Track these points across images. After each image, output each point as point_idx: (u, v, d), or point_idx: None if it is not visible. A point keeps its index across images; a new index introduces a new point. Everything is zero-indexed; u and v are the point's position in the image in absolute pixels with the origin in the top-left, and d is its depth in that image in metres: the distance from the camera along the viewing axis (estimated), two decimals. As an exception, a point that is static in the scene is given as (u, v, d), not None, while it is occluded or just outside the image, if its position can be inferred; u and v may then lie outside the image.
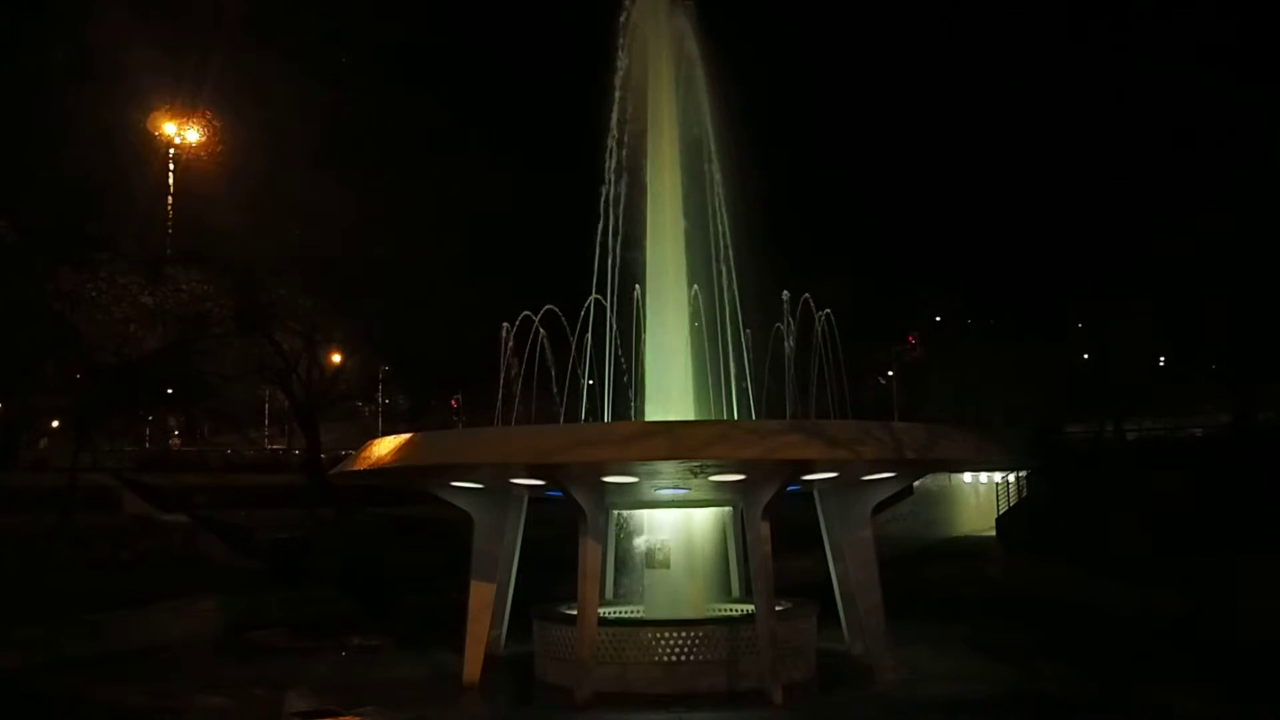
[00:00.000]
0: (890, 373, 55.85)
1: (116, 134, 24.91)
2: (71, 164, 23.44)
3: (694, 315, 16.32)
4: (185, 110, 27.18)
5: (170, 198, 28.77)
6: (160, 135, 27.71)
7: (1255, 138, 25.33)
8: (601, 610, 14.04)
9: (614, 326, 15.90)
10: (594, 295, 15.51)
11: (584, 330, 15.20)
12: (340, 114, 27.27)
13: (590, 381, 15.71)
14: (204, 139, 27.65)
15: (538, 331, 14.85)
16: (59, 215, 24.04)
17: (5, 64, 22.11)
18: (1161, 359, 44.39)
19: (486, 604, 14.97)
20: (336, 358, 37.43)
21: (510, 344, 14.87)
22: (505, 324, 14.94)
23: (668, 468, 12.38)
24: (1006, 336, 48.41)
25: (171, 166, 28.44)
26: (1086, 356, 45.94)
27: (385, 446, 13.25)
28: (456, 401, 51.04)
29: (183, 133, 28.06)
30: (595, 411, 16.18)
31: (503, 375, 14.89)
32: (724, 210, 16.74)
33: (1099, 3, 25.01)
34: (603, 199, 16.46)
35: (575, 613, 13.25)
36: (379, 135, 29.12)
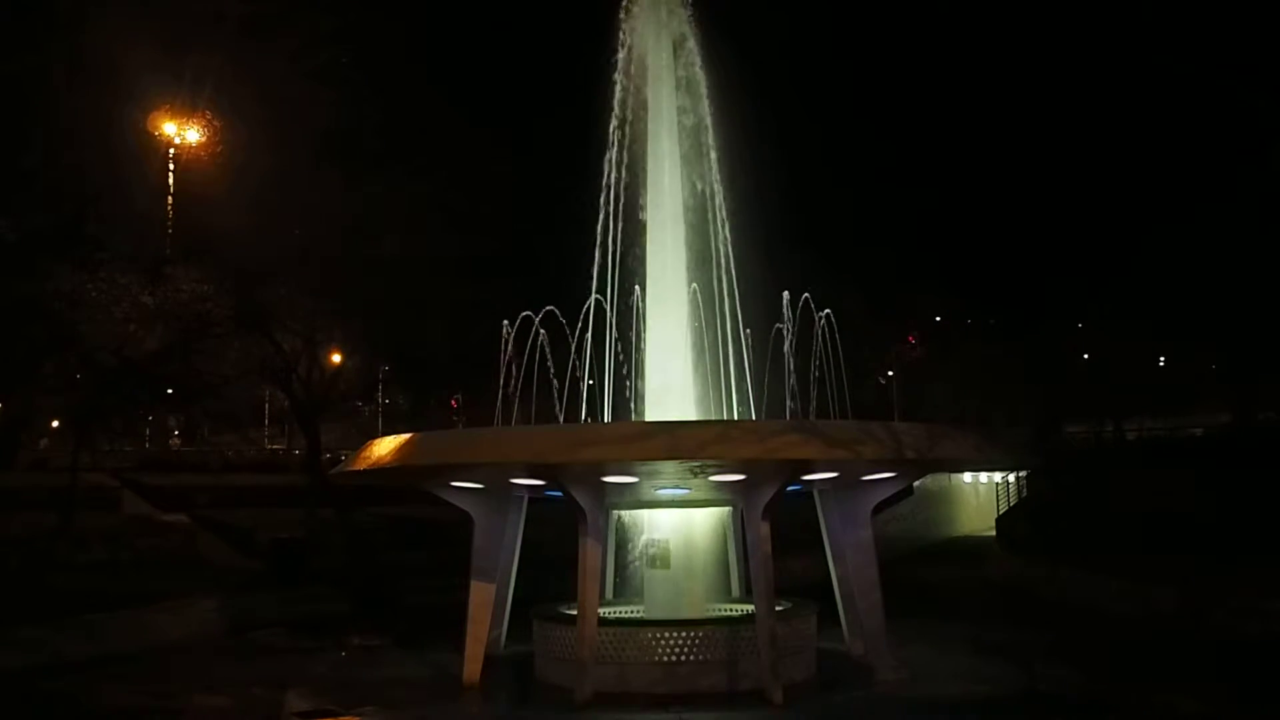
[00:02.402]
0: (890, 373, 55.85)
1: (116, 134, 24.89)
2: (71, 164, 23.44)
3: (694, 315, 16.31)
4: (185, 110, 27.16)
5: (170, 198, 28.75)
6: (160, 135, 27.69)
7: (1255, 137, 25.33)
8: (601, 610, 14.04)
9: (614, 327, 15.90)
10: (594, 295, 15.49)
11: (584, 331, 15.19)
12: (340, 114, 27.26)
13: (590, 381, 15.70)
14: (204, 139, 27.63)
15: (538, 332, 14.85)
16: (59, 215, 24.04)
17: (5, 64, 22.09)
18: (1161, 359, 44.43)
19: (486, 604, 14.97)
20: (336, 358, 37.38)
21: (510, 344, 14.86)
22: (505, 323, 14.93)
23: (667, 468, 12.37)
24: (1006, 336, 48.45)
25: (171, 166, 28.43)
26: (1086, 356, 46.00)
27: (385, 446, 13.24)
28: (456, 401, 51.05)
29: (183, 133, 28.03)
30: (595, 413, 16.18)
31: (502, 376, 14.89)
32: (724, 211, 16.74)
33: (1098, 2, 25.02)
34: (603, 198, 16.46)
35: (575, 613, 13.26)
36: (379, 135, 29.12)
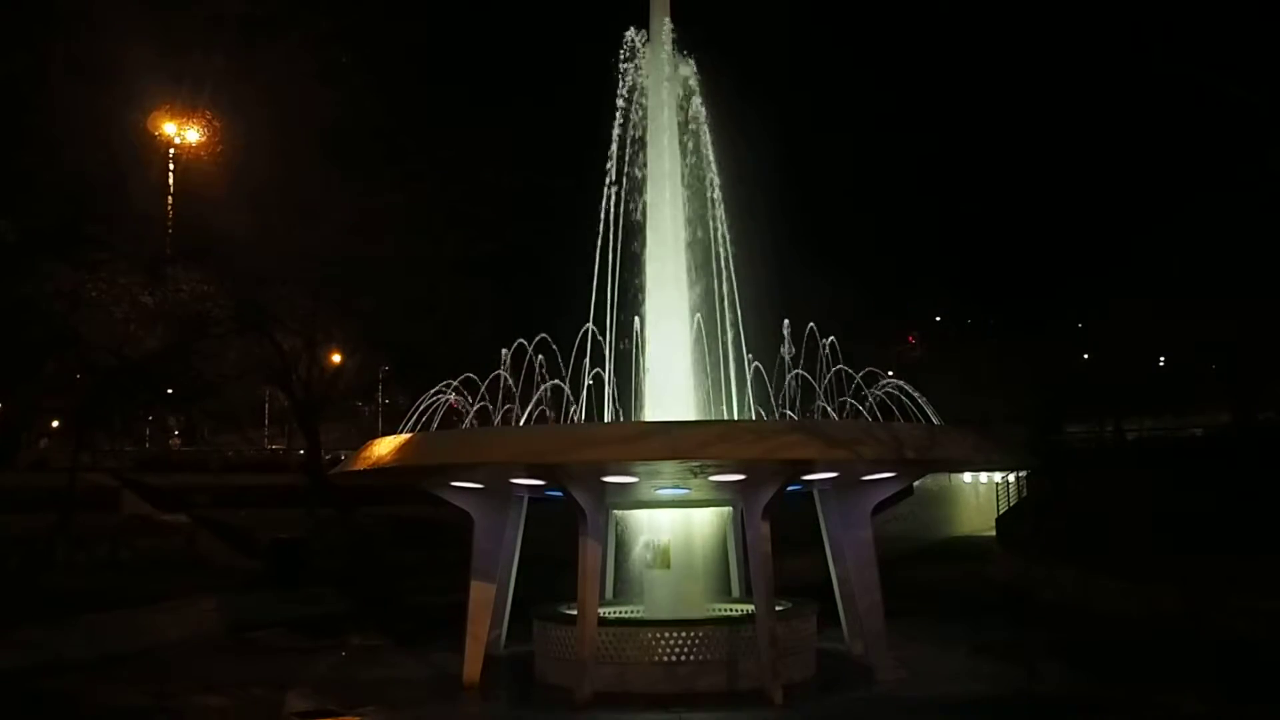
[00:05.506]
0: (890, 373, 55.80)
1: (116, 134, 24.88)
2: (71, 164, 23.41)
3: (694, 311, 16.35)
4: (185, 110, 27.14)
5: (170, 198, 28.73)
6: (160, 135, 27.67)
7: (1254, 137, 25.33)
8: (601, 610, 14.04)
9: (614, 328, 15.90)
10: (590, 325, 15.42)
11: (580, 357, 15.17)
12: (341, 114, 27.25)
13: (590, 382, 15.68)
14: (204, 139, 27.60)
15: (532, 361, 14.82)
16: (59, 215, 24.02)
17: (5, 64, 22.08)
18: (1161, 359, 44.43)
19: (486, 604, 14.97)
20: (336, 358, 37.39)
21: (508, 362, 14.84)
22: (504, 350, 14.90)
23: (667, 468, 12.38)
24: (1007, 336, 48.45)
25: (171, 166, 28.40)
26: (1086, 356, 45.99)
27: (385, 446, 13.25)
28: (456, 402, 50.94)
29: (183, 133, 28.01)
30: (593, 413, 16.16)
31: (500, 400, 14.85)
32: (723, 213, 16.75)
33: (1095, 3, 25.01)
34: (604, 204, 16.47)
35: (575, 613, 13.26)
36: (379, 135, 29.10)
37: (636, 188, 16.60)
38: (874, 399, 14.17)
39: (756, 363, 15.66)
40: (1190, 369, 42.19)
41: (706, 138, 16.98)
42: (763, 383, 15.47)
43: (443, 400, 14.71)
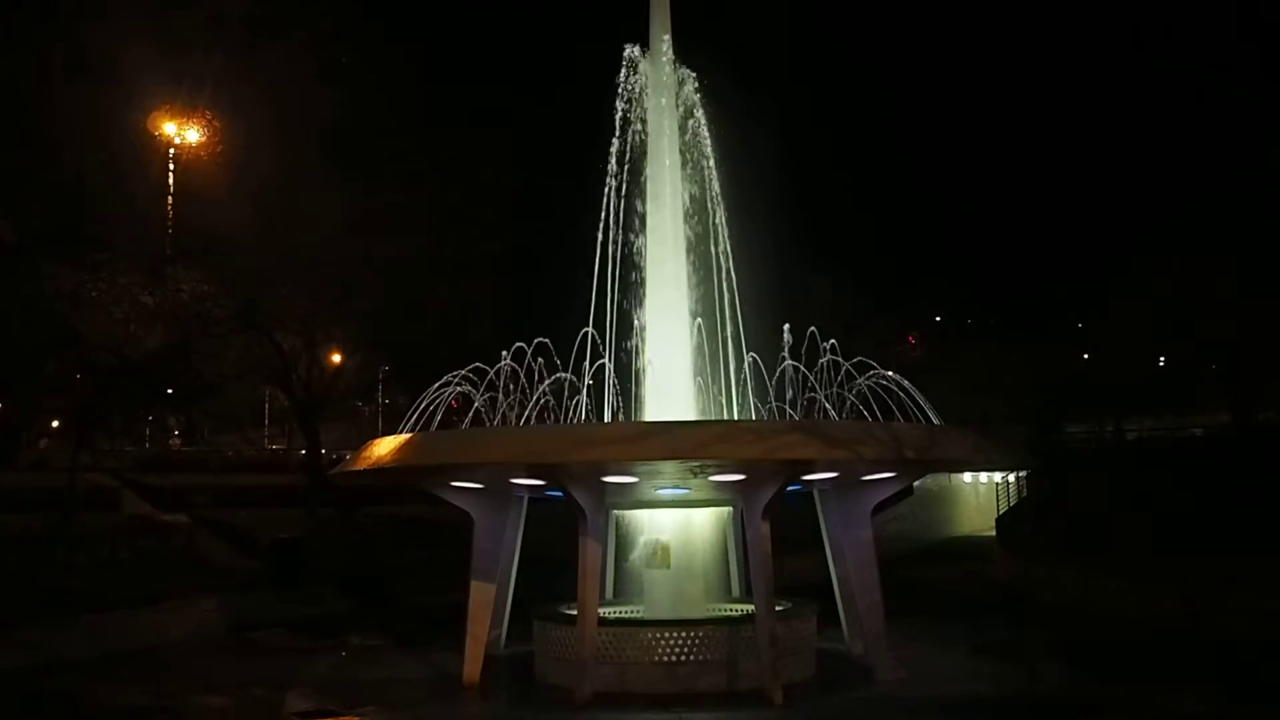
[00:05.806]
0: (890, 372, 55.79)
1: (116, 134, 24.86)
2: (71, 164, 23.40)
3: (694, 311, 16.36)
4: (185, 110, 27.14)
5: (170, 198, 28.72)
6: (160, 135, 27.65)
7: (1253, 137, 25.33)
8: (601, 610, 14.05)
9: (614, 328, 15.91)
10: (589, 328, 15.42)
11: (579, 359, 15.18)
12: (341, 113, 27.25)
13: (590, 382, 15.69)
14: (204, 139, 27.60)
15: (531, 367, 14.83)
16: (59, 215, 24.02)
17: (5, 63, 22.07)
18: (1161, 359, 44.42)
19: (486, 604, 14.98)
20: (336, 358, 37.38)
21: (508, 359, 14.86)
22: (504, 352, 14.93)
23: (667, 468, 12.38)
24: (1007, 336, 48.44)
25: (171, 166, 28.39)
26: (1086, 356, 45.99)
27: (385, 446, 13.26)
28: (456, 402, 50.93)
29: (183, 133, 28.00)
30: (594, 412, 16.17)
31: (501, 406, 14.86)
32: (723, 213, 16.76)
33: (1096, 4, 25.02)
34: (604, 204, 16.46)
35: (575, 613, 13.26)
36: (379, 135, 29.10)
37: (637, 188, 16.61)
38: (866, 388, 14.18)
39: (753, 354, 15.66)
40: (1190, 369, 42.18)
41: (706, 138, 16.98)
42: (761, 378, 15.47)
43: (447, 393, 14.70)
